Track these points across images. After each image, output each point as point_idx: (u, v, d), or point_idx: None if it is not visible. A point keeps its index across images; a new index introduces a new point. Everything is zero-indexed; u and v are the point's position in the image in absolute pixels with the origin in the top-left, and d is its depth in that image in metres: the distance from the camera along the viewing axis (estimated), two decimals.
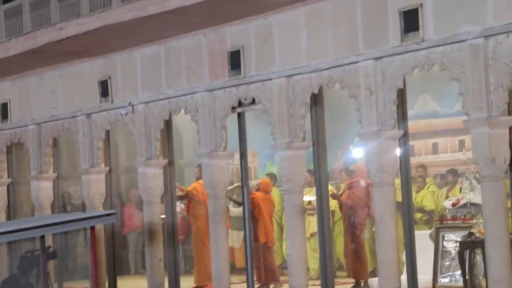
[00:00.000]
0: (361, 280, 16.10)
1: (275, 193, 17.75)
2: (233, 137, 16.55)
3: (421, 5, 13.35)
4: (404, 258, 14.28)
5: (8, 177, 21.56)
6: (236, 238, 18.03)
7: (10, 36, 19.18)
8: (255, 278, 16.76)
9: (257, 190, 17.69)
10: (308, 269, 15.99)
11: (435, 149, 18.00)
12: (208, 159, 16.60)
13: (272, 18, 15.42)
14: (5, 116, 21.11)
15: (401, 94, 13.98)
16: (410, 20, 13.48)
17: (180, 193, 18.46)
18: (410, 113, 14.51)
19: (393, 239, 14.05)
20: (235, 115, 16.46)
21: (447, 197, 16.29)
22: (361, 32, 14.17)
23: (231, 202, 18.31)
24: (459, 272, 14.63)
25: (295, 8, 14.99)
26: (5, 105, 21.08)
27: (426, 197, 16.47)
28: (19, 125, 20.77)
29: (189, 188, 18.65)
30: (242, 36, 15.94)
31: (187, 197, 18.48)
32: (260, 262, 17.29)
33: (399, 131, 14.06)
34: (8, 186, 21.58)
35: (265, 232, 17.14)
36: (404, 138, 14.18)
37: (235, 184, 19.17)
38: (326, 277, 15.22)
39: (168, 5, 15.35)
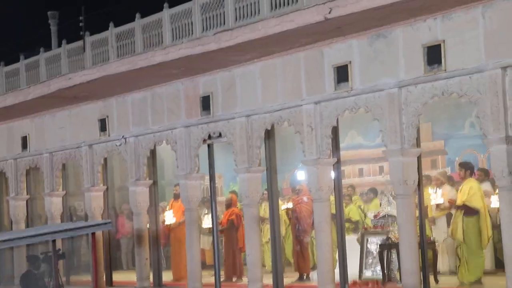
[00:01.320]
0: (304, 274, 15.98)
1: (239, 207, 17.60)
2: (204, 163, 16.42)
3: (350, 62, 13.36)
4: (337, 257, 14.23)
5: (27, 194, 21.26)
6: (206, 242, 17.84)
7: (29, 84, 19.00)
8: (222, 273, 16.58)
9: (229, 205, 17.43)
10: (264, 265, 15.84)
11: (360, 173, 18.04)
12: (184, 180, 16.46)
13: (235, 71, 15.34)
14: (25, 146, 20.84)
15: (335, 131, 13.95)
16: (342, 74, 13.48)
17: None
18: (341, 145, 14.47)
19: (329, 243, 14.00)
20: (205, 146, 16.34)
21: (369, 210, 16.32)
22: (304, 82, 14.12)
23: (203, 213, 18.08)
24: (379, 267, 14.60)
25: (253, 64, 14.94)
26: (25, 138, 20.82)
27: (352, 211, 16.43)
28: (36, 154, 20.48)
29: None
30: (211, 84, 15.84)
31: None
32: (229, 261, 17.07)
33: (333, 159, 14.03)
34: (27, 201, 21.27)
35: (242, 239, 16.94)
36: (337, 164, 14.17)
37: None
38: (277, 271, 15.14)
39: (154, 60, 15.34)
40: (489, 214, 13.98)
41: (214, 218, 16.68)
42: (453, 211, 14.45)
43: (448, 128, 15.99)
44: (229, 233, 17.14)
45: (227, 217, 17.15)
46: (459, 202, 13.94)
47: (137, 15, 16.14)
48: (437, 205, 14.83)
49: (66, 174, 20.13)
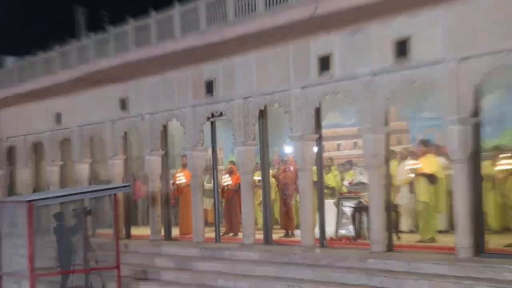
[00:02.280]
0: (289, 231, 15.89)
1: None
2: (208, 137, 16.35)
3: (332, 53, 13.20)
4: (317, 217, 14.09)
5: (61, 161, 21.13)
6: (208, 203, 17.74)
7: (62, 68, 18.86)
8: (222, 228, 16.54)
9: (231, 172, 17.17)
10: (256, 223, 15.75)
11: (338, 147, 17.93)
12: (191, 151, 16.33)
13: (234, 60, 15.16)
14: (58, 121, 20.67)
15: (318, 111, 13.79)
16: (324, 63, 13.33)
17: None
18: (323, 123, 14.29)
19: (310, 205, 13.93)
20: (209, 123, 16.26)
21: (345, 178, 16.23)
22: (292, 70, 13.97)
23: (206, 178, 17.94)
24: (351, 226, 14.53)
25: (249, 54, 14.75)
26: (58, 114, 20.65)
27: (330, 179, 16.35)
28: (67, 128, 20.34)
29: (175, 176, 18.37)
30: (214, 71, 15.67)
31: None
32: (232, 219, 16.92)
33: (315, 135, 13.89)
34: (60, 167, 21.14)
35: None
36: (319, 140, 14.03)
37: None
38: (267, 228, 15.06)
39: (166, 50, 15.27)
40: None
41: (215, 183, 16.61)
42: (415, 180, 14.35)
43: (412, 111, 15.87)
44: (233, 194, 16.89)
45: (236, 181, 16.80)
46: (420, 171, 13.81)
47: (152, 12, 15.98)
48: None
49: (93, 145, 19.93)
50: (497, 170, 13.17)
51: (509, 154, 13.43)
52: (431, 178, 13.57)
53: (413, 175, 14.19)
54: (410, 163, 14.47)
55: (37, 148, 22.27)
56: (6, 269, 13.82)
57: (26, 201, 13.37)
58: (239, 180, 16.64)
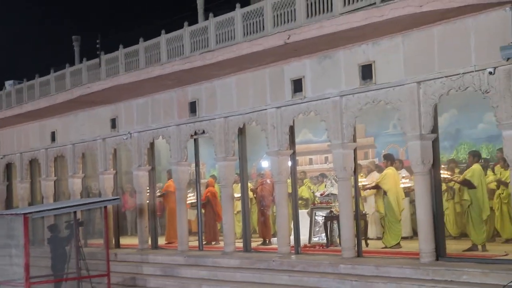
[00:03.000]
0: (267, 239, 15.97)
1: (216, 187, 17.59)
2: (191, 153, 16.40)
3: (304, 76, 13.38)
4: (292, 226, 14.23)
5: (55, 176, 21.15)
6: (192, 214, 17.79)
7: (57, 91, 18.89)
8: (203, 238, 16.60)
9: (207, 185, 17.33)
10: (235, 233, 15.85)
11: (310, 162, 18.05)
12: (176, 166, 16.40)
13: (216, 82, 15.30)
14: (53, 139, 20.67)
15: (292, 129, 13.96)
16: (297, 85, 13.48)
17: (158, 193, 18.27)
18: (296, 140, 14.46)
19: (286, 215, 14.04)
20: (192, 140, 16.32)
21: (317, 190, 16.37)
22: (268, 92, 14.12)
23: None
24: (324, 234, 14.61)
25: (229, 77, 14.92)
26: (53, 133, 20.66)
27: (304, 191, 16.45)
28: (61, 145, 20.34)
29: (164, 188, 18.36)
30: (197, 92, 15.79)
31: (164, 194, 18.27)
32: (209, 228, 17.00)
33: (290, 150, 14.04)
34: (54, 181, 21.16)
35: (218, 211, 16.92)
36: (293, 155, 14.17)
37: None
38: (246, 236, 15.16)
39: (153, 74, 15.31)
40: (404, 192, 14.12)
41: (198, 196, 16.68)
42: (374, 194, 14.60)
43: (377, 128, 16.03)
44: (207, 207, 16.98)
45: (205, 194, 17.03)
46: (368, 187, 14.14)
47: (140, 39, 16.12)
48: (364, 186, 14.83)
49: (85, 161, 19.96)
50: (448, 178, 13.37)
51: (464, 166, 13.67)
52: (384, 192, 13.75)
53: (367, 191, 14.46)
54: (375, 176, 14.66)
55: (33, 165, 22.24)
56: (2, 278, 13.73)
57: (22, 213, 13.31)
58: (208, 193, 16.81)
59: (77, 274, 13.91)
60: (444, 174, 13.04)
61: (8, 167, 23.44)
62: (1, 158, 23.29)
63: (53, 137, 20.66)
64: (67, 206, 14.62)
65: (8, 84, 21.98)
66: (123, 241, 18.86)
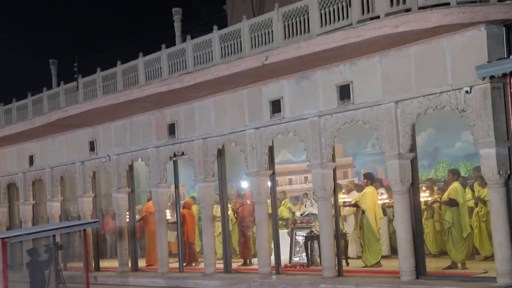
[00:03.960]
0: (247, 259, 15.80)
1: (195, 208, 17.40)
2: (170, 175, 16.24)
3: (282, 97, 13.33)
4: (272, 246, 14.09)
5: (33, 200, 20.84)
6: (172, 236, 17.56)
7: (35, 115, 18.67)
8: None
9: (183, 207, 17.11)
10: (216, 253, 15.64)
11: (290, 182, 18.00)
12: (156, 188, 16.22)
13: (194, 104, 15.20)
14: (31, 163, 20.43)
15: (271, 149, 13.87)
16: (276, 106, 13.43)
17: (138, 216, 18.04)
18: (276, 160, 14.38)
19: (266, 235, 13.91)
20: (171, 162, 16.18)
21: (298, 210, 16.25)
22: (246, 113, 14.05)
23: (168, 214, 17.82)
24: (304, 254, 14.49)
25: (208, 98, 14.83)
26: (31, 157, 20.41)
27: (284, 211, 16.33)
28: (40, 169, 20.09)
29: (144, 210, 18.10)
30: (176, 114, 15.68)
31: (143, 218, 18.01)
32: (186, 250, 16.78)
33: (269, 171, 13.94)
34: (33, 205, 20.85)
35: (189, 233, 16.70)
36: (273, 175, 14.07)
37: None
38: (227, 257, 14.99)
39: (131, 96, 15.22)
40: (383, 211, 14.04)
41: (178, 217, 16.49)
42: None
43: (356, 147, 16.03)
44: (182, 228, 16.71)
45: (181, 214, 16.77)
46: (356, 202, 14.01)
47: (118, 62, 16.00)
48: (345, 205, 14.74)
49: (64, 184, 19.72)
50: (431, 200, 13.34)
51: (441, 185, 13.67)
52: (362, 211, 13.68)
53: (347, 208, 14.40)
54: (354, 196, 14.59)
55: (11, 189, 21.92)
56: None
57: (1, 238, 13.09)
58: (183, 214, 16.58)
59: None
60: (424, 194, 12.98)
61: None
62: None
63: (31, 161, 20.39)
64: (46, 230, 14.49)
65: None
66: (103, 264, 18.54)
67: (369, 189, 13.80)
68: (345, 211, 14.67)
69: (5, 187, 21.87)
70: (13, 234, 14.32)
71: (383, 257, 13.78)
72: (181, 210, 16.78)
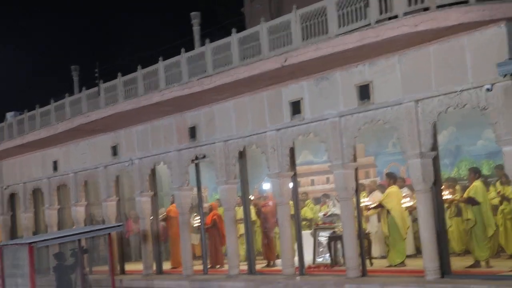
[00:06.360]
0: (271, 261, 15.80)
1: (221, 210, 17.42)
2: (193, 178, 16.31)
3: (302, 98, 13.32)
4: (296, 247, 14.07)
5: (58, 205, 21.02)
6: (195, 238, 17.64)
7: (58, 121, 18.86)
8: (208, 261, 16.39)
9: (211, 209, 17.14)
10: (239, 255, 15.67)
11: (312, 183, 17.93)
12: (178, 191, 16.29)
13: (214, 107, 15.25)
14: (55, 169, 20.61)
15: (292, 151, 13.86)
16: (296, 107, 13.43)
17: (161, 216, 18.16)
18: (297, 161, 14.36)
19: (289, 236, 13.92)
20: (193, 165, 16.25)
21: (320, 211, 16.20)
22: (267, 115, 14.06)
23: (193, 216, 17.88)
24: (328, 254, 14.47)
25: (228, 101, 14.87)
26: (55, 162, 20.59)
27: (306, 212, 16.31)
28: (64, 174, 20.26)
29: (166, 212, 18.19)
30: (196, 118, 15.74)
31: (166, 218, 18.10)
32: (214, 252, 16.78)
33: (291, 172, 13.93)
34: (58, 210, 21.03)
35: (222, 235, 16.64)
36: (294, 177, 14.05)
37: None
38: (250, 259, 15.02)
39: (152, 100, 15.30)
40: (408, 211, 13.97)
41: (202, 220, 16.54)
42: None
43: (377, 147, 15.95)
44: (212, 230, 16.78)
45: (211, 217, 16.85)
46: (370, 207, 14.01)
47: (139, 67, 16.09)
48: (367, 207, 14.68)
49: (88, 189, 19.86)
50: (450, 198, 13.23)
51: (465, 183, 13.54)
52: (388, 211, 13.63)
53: (369, 210, 14.35)
54: (377, 195, 14.53)
55: (36, 194, 22.14)
56: None
57: (28, 243, 13.26)
58: (214, 217, 16.63)
59: None
60: (446, 193, 12.89)
61: (12, 197, 23.35)
62: (5, 188, 23.21)
63: (55, 166, 20.60)
64: (71, 234, 14.57)
65: (9, 115, 21.98)
66: (128, 267, 18.69)
67: (393, 189, 13.75)
68: (367, 212, 14.62)
69: (30, 193, 22.09)
70: (39, 239, 14.44)
71: (407, 256, 13.71)
72: (212, 213, 16.85)
